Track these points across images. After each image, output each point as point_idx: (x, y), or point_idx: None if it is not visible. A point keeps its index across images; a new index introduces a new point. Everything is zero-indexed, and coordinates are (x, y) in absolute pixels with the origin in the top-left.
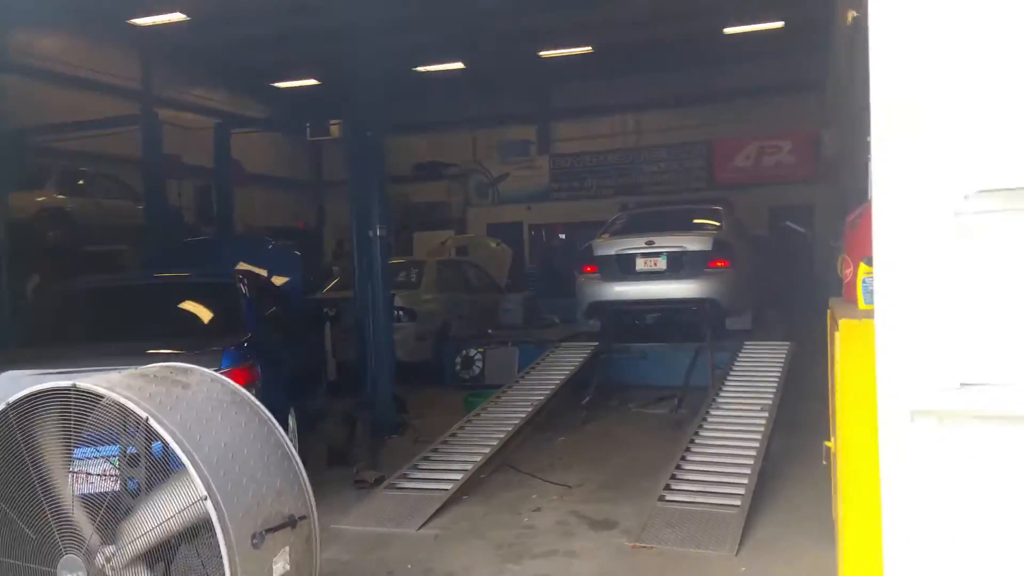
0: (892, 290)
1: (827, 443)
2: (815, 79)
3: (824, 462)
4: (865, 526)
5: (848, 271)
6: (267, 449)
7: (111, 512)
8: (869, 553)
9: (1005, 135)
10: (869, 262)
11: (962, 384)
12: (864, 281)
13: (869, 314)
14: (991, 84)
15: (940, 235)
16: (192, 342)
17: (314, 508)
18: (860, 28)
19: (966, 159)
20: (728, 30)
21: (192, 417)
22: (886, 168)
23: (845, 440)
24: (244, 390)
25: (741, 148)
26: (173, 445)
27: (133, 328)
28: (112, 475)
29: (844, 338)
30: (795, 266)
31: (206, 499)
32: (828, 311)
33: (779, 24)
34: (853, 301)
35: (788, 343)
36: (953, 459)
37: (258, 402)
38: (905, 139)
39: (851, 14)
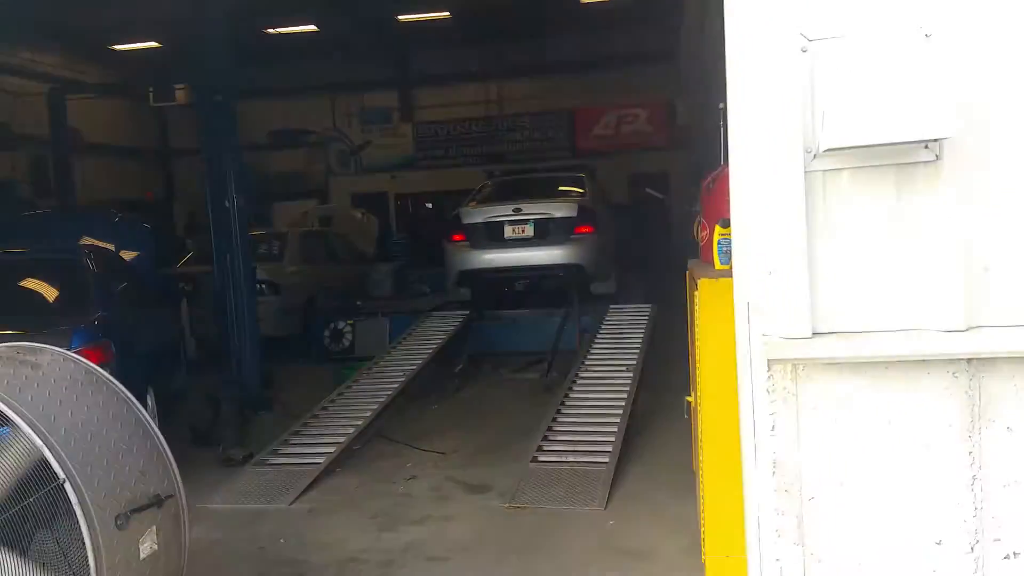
0: (747, 246)
1: (688, 398)
2: (669, 49)
3: (685, 416)
4: (724, 475)
5: (704, 233)
6: (127, 428)
7: None
8: (727, 502)
9: (848, 98)
10: (725, 224)
11: (815, 333)
12: (719, 242)
13: (725, 273)
14: (836, 50)
15: (791, 192)
16: (37, 321)
17: (181, 486)
18: None
19: (814, 121)
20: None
21: (44, 398)
22: (740, 131)
23: (704, 393)
24: (100, 369)
25: (600, 116)
26: (25, 428)
27: None
28: None
29: (702, 296)
30: (654, 231)
31: (65, 482)
32: (687, 272)
33: None
34: (710, 262)
35: (650, 305)
36: (808, 405)
37: (115, 381)
38: (757, 103)
39: None
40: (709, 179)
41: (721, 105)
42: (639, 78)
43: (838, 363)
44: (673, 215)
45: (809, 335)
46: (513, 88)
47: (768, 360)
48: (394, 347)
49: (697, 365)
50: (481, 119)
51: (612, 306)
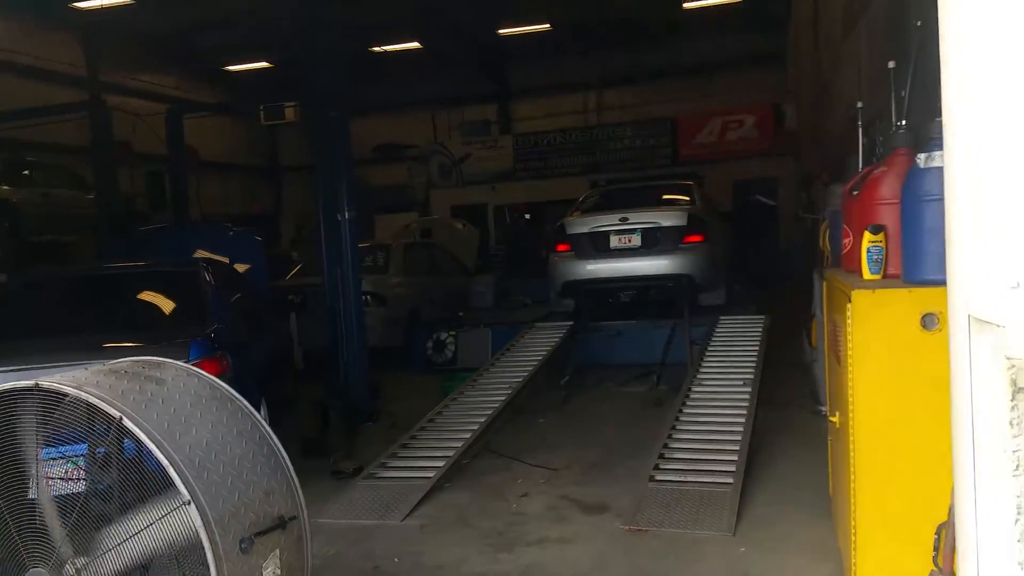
0: (969, 252)
1: (831, 418)
2: (775, 52)
3: (830, 438)
4: (881, 504)
5: (848, 240)
6: (252, 446)
7: (82, 519)
8: (883, 532)
9: None
10: (875, 231)
11: None
12: (869, 250)
13: (879, 284)
14: None
15: None
16: (155, 334)
17: (304, 507)
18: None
19: None
20: (688, 5)
21: (169, 415)
22: (964, 120)
23: (859, 416)
24: (224, 384)
25: (704, 123)
26: (150, 445)
27: (89, 321)
28: (76, 478)
29: (857, 309)
30: (761, 239)
31: (190, 503)
32: (823, 282)
33: None
34: (855, 271)
35: (763, 316)
36: None
37: (239, 396)
38: (997, 85)
39: None
40: (852, 183)
41: (860, 104)
42: (743, 82)
43: None
44: (781, 222)
45: None
46: (612, 97)
47: (1013, 388)
48: (498, 359)
49: (848, 384)
50: (580, 128)
51: (722, 317)
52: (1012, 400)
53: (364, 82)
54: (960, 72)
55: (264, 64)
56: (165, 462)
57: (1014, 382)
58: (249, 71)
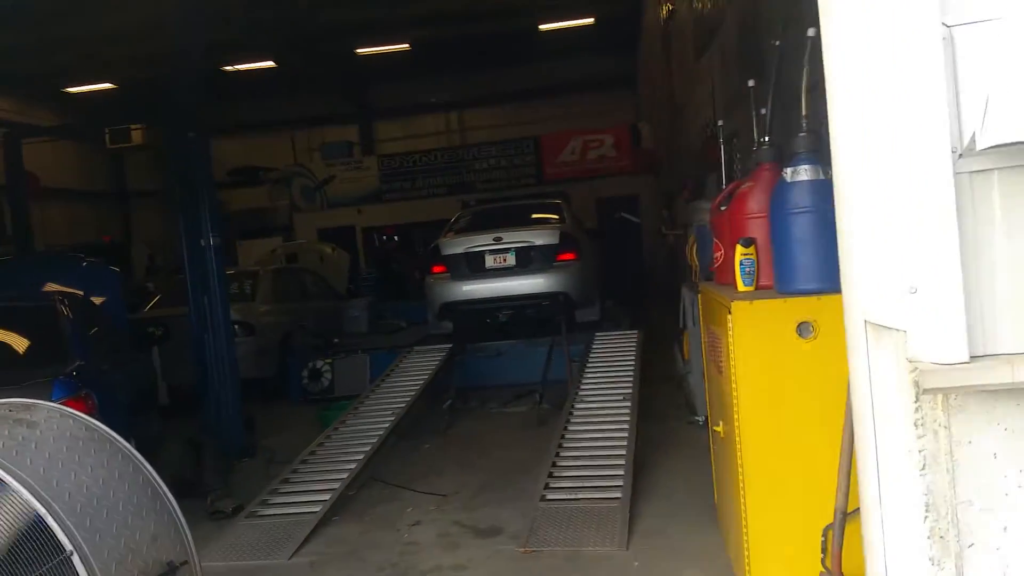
0: (866, 261)
1: (716, 428)
2: (629, 74)
3: (714, 447)
4: (770, 509)
5: (719, 254)
6: (135, 489)
7: None
8: (775, 536)
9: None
10: (746, 243)
11: (972, 357)
12: (742, 263)
13: (755, 295)
14: (992, 34)
15: (938, 200)
16: (12, 374)
17: (194, 552)
18: (675, 22)
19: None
20: (543, 27)
21: (45, 460)
22: (851, 135)
23: (745, 424)
24: (100, 424)
25: (566, 143)
26: (27, 495)
27: None
28: None
29: (737, 320)
30: (627, 255)
31: (72, 554)
32: (696, 296)
33: (590, 20)
34: (729, 283)
35: (637, 331)
36: (963, 439)
37: (118, 437)
38: (881, 102)
39: (666, 7)
40: (720, 198)
41: (720, 122)
42: (601, 104)
43: (997, 390)
44: (644, 238)
45: (967, 360)
46: (474, 117)
47: (917, 390)
48: (377, 385)
49: (732, 393)
50: (445, 149)
51: (598, 333)
52: (916, 401)
53: (218, 102)
54: (845, 84)
55: (108, 85)
56: (43, 511)
57: (917, 384)
58: (92, 92)
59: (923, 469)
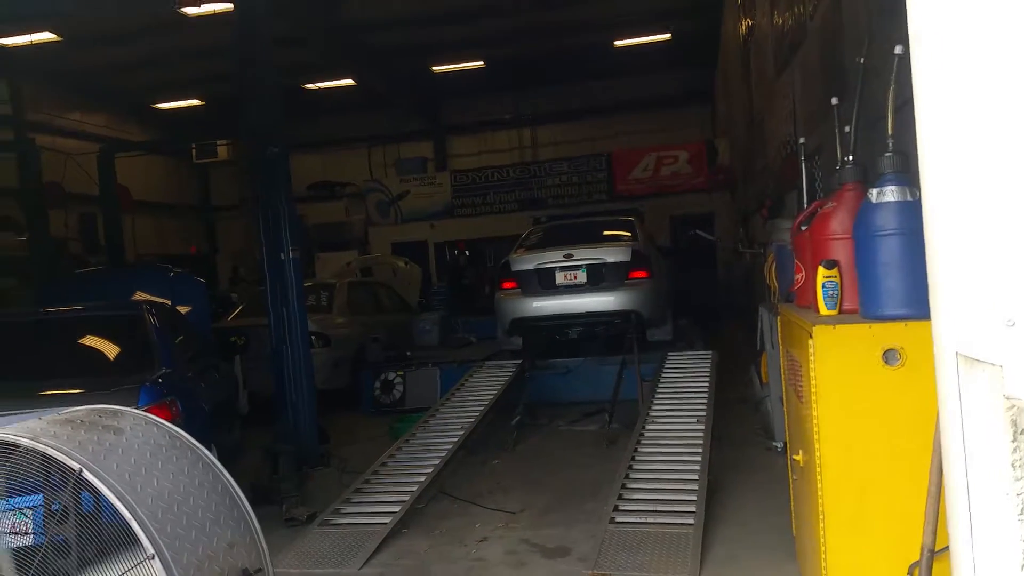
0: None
1: (795, 457)
2: (705, 90)
3: (794, 476)
4: (851, 542)
5: (800, 276)
6: (214, 497)
7: (40, 574)
8: (856, 571)
9: None
10: (829, 266)
11: None
12: (824, 286)
13: (838, 319)
14: None
15: None
16: (101, 380)
17: (268, 559)
18: (755, 37)
19: None
20: (619, 43)
21: (130, 465)
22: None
23: (827, 454)
24: (183, 432)
25: (639, 159)
26: (113, 499)
27: (29, 368)
28: (24, 531)
29: (819, 346)
30: (701, 273)
31: (154, 558)
32: (777, 318)
33: (666, 36)
34: (810, 306)
35: (711, 352)
36: None
37: (199, 445)
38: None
39: (746, 22)
40: (800, 218)
41: (802, 140)
42: (675, 119)
43: None
44: (720, 257)
45: None
46: (547, 132)
47: (1014, 429)
48: (448, 399)
49: (813, 421)
50: (517, 164)
51: (671, 353)
52: (1014, 441)
53: (297, 119)
54: (938, 106)
55: (195, 102)
56: (128, 515)
57: (1015, 423)
58: (179, 109)
59: (1021, 514)
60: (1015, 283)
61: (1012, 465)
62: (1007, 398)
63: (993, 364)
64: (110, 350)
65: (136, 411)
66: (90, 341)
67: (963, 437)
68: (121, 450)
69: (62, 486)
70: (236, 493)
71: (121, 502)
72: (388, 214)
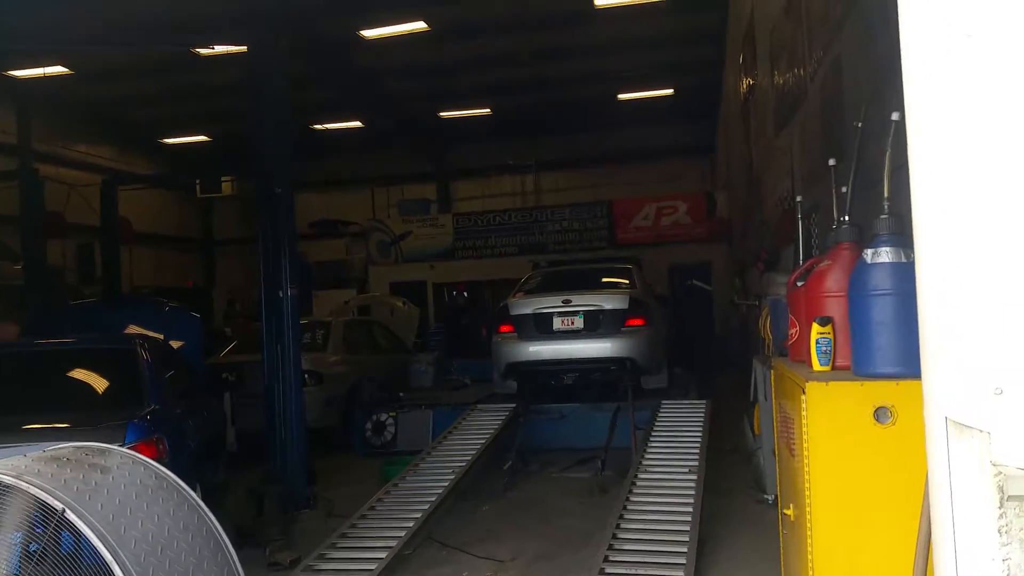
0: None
1: (786, 511)
2: (705, 143)
3: (784, 531)
4: None
5: (794, 331)
6: (198, 540)
7: None
8: None
9: None
10: (823, 322)
11: None
12: (818, 342)
13: (831, 376)
14: None
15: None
16: (88, 416)
17: None
18: (756, 95)
19: None
20: (623, 96)
21: (115, 506)
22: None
23: (818, 509)
24: (170, 473)
25: (640, 208)
26: (95, 540)
27: (16, 401)
28: None
29: (811, 402)
30: (696, 323)
31: None
32: (771, 371)
33: (669, 91)
34: (803, 361)
35: (705, 401)
36: None
37: (185, 486)
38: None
39: (747, 81)
40: (796, 274)
41: (799, 199)
42: (675, 170)
43: None
44: (716, 307)
45: None
46: (550, 179)
47: (1001, 495)
48: (440, 442)
49: (804, 476)
50: (519, 209)
51: (664, 401)
52: (1000, 508)
53: (304, 158)
54: (931, 173)
55: (202, 138)
56: (109, 558)
57: (1001, 489)
58: (185, 144)
59: None
60: (1003, 351)
61: (999, 531)
62: (994, 464)
63: (981, 431)
64: (99, 384)
65: (124, 450)
66: (79, 374)
67: (951, 501)
68: (107, 490)
69: (43, 525)
70: (220, 537)
71: (103, 544)
72: (389, 254)
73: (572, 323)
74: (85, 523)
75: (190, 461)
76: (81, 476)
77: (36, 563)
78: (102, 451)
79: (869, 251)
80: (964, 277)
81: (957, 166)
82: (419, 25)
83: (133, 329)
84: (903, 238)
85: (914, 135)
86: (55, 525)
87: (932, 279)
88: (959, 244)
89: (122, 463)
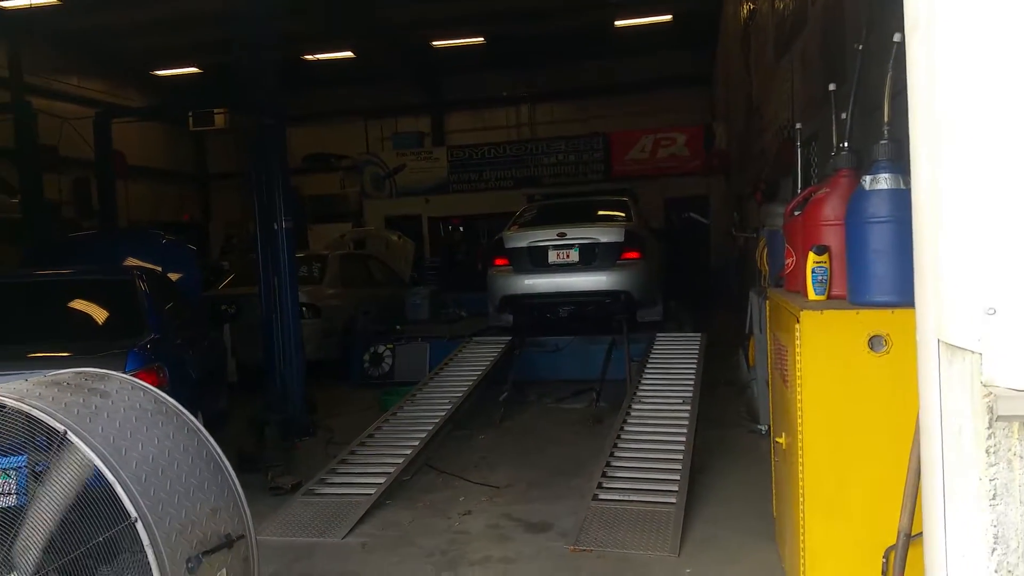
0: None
1: (778, 439)
2: (704, 73)
3: (776, 459)
4: (831, 525)
5: (790, 261)
6: (199, 463)
7: (8, 534)
8: (833, 553)
9: None
10: (820, 251)
11: None
12: (814, 271)
13: (826, 305)
14: None
15: None
16: (89, 344)
17: (251, 526)
18: (756, 21)
19: None
20: (619, 23)
21: (115, 429)
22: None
23: (809, 436)
24: (169, 397)
25: (636, 140)
26: (97, 461)
27: (16, 330)
28: (7, 491)
29: (806, 330)
30: (693, 256)
31: (136, 521)
32: (766, 302)
33: (667, 18)
34: (799, 291)
35: (700, 334)
36: None
37: (185, 411)
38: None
39: (747, 6)
40: (793, 203)
41: (799, 126)
42: (674, 102)
43: None
44: (713, 240)
45: None
46: (545, 111)
47: (991, 415)
48: (436, 373)
49: (796, 405)
50: (514, 142)
51: (660, 334)
52: (989, 428)
53: (295, 90)
54: (930, 97)
55: (193, 69)
56: (111, 478)
57: (991, 409)
58: (178, 76)
59: (994, 499)
60: (997, 271)
61: (987, 451)
62: (985, 385)
63: (973, 351)
64: (99, 314)
65: (122, 375)
66: (79, 305)
67: (942, 422)
68: (107, 413)
69: (47, 447)
70: (221, 460)
71: (105, 465)
72: (383, 188)
73: (567, 256)
74: (87, 444)
75: (191, 389)
76: (81, 400)
77: (41, 483)
78: (101, 376)
79: (867, 178)
80: (958, 199)
81: (955, 89)
82: None
83: (131, 261)
84: (902, 164)
85: (913, 55)
86: (58, 446)
87: (927, 201)
88: (955, 167)
89: (121, 387)
